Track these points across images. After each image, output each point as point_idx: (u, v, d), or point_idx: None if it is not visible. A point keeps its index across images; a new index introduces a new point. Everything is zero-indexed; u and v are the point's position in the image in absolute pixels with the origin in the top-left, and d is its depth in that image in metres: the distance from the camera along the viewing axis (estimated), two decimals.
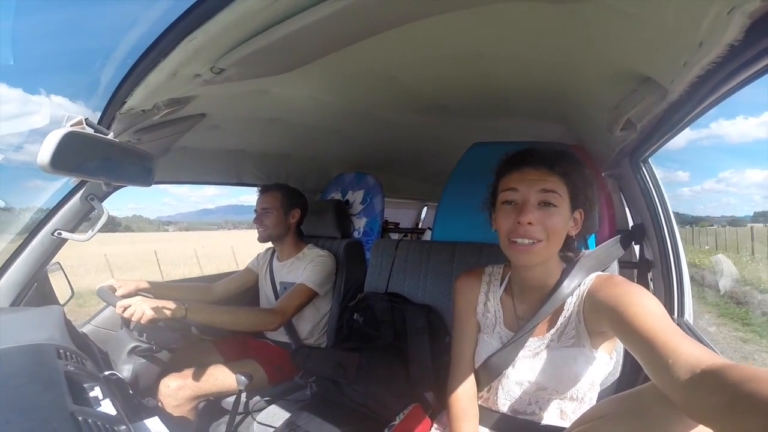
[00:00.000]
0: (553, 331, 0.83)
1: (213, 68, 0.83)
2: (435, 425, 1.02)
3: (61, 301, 1.45)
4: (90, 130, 1.00)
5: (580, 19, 0.68)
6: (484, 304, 0.94)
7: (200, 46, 0.72)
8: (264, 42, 0.72)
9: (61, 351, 0.88)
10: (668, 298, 1.15)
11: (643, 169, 1.27)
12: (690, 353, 0.52)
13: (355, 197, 2.17)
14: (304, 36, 0.72)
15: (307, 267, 1.55)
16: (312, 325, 1.61)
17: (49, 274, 1.42)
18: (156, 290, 1.46)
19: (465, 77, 1.14)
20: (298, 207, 1.65)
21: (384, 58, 1.01)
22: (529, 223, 0.77)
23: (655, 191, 1.26)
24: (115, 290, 1.33)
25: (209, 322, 1.23)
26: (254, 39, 0.73)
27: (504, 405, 0.88)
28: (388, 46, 0.91)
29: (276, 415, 1.25)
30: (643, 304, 0.65)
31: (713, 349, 0.62)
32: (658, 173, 1.30)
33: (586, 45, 0.79)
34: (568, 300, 0.82)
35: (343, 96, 1.33)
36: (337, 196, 2.21)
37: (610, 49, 0.77)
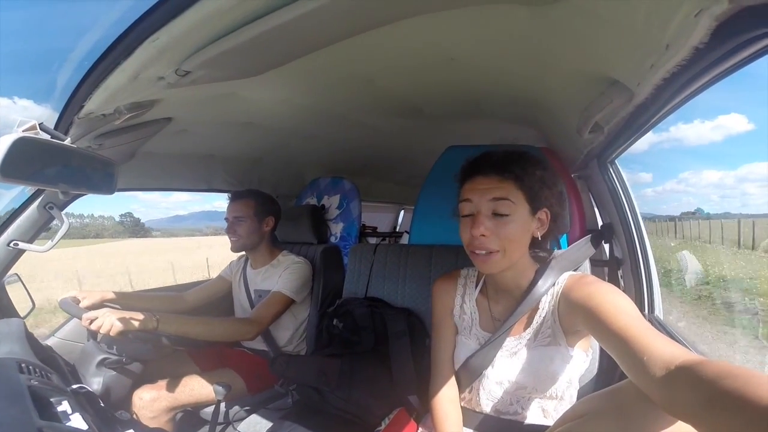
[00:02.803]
0: (529, 330, 0.84)
1: (178, 70, 0.79)
2: (420, 428, 1.01)
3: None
4: (45, 136, 0.94)
5: (551, 22, 0.69)
6: (461, 306, 0.94)
7: (164, 46, 0.69)
8: (232, 43, 0.70)
9: (23, 365, 0.84)
10: (638, 294, 1.19)
11: (610, 170, 1.32)
12: (664, 350, 0.53)
13: (331, 202, 2.14)
14: (275, 37, 0.70)
15: (282, 274, 1.51)
16: (290, 333, 1.57)
17: (7, 287, 1.33)
18: (123, 301, 1.39)
19: (439, 81, 1.15)
20: (271, 214, 1.60)
21: (358, 61, 1.00)
22: (482, 235, 0.78)
23: (622, 191, 1.30)
24: (79, 302, 1.26)
25: (183, 334, 1.18)
26: (222, 40, 0.70)
27: (486, 405, 0.88)
28: (362, 49, 0.90)
29: (258, 424, 1.22)
30: (615, 303, 0.66)
31: (685, 345, 0.64)
32: (623, 175, 1.35)
33: (557, 49, 0.80)
34: (543, 299, 0.83)
35: (317, 99, 1.31)
36: (313, 201, 2.17)
37: (580, 53, 0.78)
